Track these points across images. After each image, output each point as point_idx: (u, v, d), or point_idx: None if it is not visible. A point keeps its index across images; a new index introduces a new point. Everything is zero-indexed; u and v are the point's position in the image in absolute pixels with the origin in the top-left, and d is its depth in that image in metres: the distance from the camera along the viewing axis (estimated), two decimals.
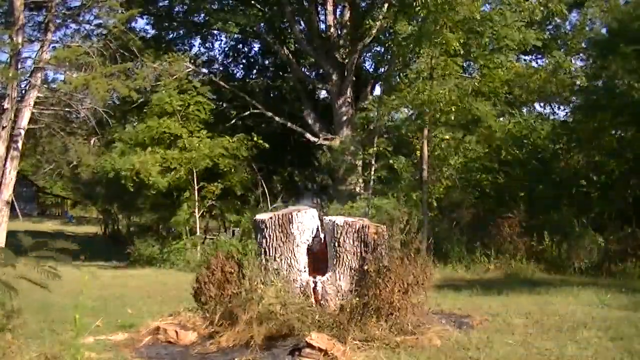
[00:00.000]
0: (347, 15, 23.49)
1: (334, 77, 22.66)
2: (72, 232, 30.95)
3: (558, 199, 15.31)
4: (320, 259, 7.18)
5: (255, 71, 28.57)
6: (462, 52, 15.50)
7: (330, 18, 23.69)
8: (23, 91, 17.26)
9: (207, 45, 26.96)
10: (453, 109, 15.19)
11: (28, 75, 17.34)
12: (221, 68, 27.54)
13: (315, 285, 6.87)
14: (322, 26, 24.50)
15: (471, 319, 7.61)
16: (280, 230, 6.97)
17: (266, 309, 6.23)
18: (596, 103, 15.78)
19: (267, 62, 28.27)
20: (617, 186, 15.35)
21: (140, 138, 18.53)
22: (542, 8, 16.71)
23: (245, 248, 14.99)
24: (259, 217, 7.37)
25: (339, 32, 23.65)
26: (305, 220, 7.06)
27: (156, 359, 6.13)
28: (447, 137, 17.10)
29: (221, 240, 18.10)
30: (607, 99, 15.24)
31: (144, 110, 19.32)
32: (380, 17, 21.15)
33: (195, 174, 18.47)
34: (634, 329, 6.93)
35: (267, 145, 20.35)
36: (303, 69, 24.80)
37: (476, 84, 16.41)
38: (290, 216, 7.00)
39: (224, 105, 25.24)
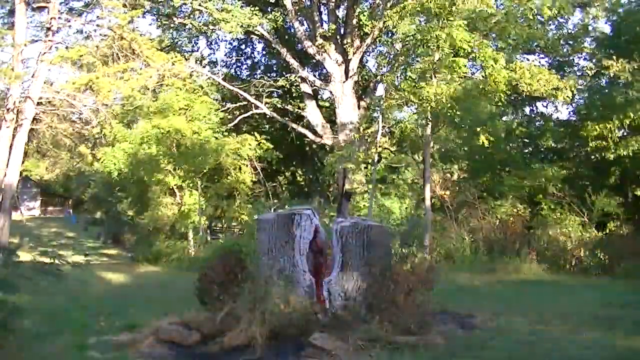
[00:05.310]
0: (350, 15, 23.46)
1: (337, 77, 22.64)
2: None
3: (561, 198, 15.29)
4: (321, 258, 7.18)
5: (259, 71, 28.58)
6: (467, 50, 15.43)
7: (332, 18, 23.68)
8: (26, 91, 17.28)
9: (212, 46, 27.01)
10: (457, 108, 15.13)
11: (31, 75, 17.37)
12: (225, 68, 27.54)
13: (320, 285, 6.86)
14: (325, 26, 24.49)
15: (474, 318, 7.60)
16: (283, 230, 6.96)
17: (270, 309, 6.22)
18: (599, 101, 15.74)
19: (271, 62, 28.25)
20: (621, 185, 15.31)
21: (145, 137, 18.52)
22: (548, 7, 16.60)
23: (249, 248, 14.94)
24: (262, 217, 7.37)
25: (342, 32, 23.61)
26: (308, 220, 7.05)
27: (159, 359, 6.13)
28: (451, 136, 17.06)
29: (225, 240, 18.08)
30: (610, 98, 15.20)
31: (149, 109, 19.31)
32: (383, 17, 21.10)
33: (199, 173, 18.47)
34: (637, 327, 6.92)
35: (270, 146, 20.34)
36: (306, 69, 24.77)
37: (480, 83, 16.35)
38: (292, 216, 6.99)
39: (228, 105, 25.25)
